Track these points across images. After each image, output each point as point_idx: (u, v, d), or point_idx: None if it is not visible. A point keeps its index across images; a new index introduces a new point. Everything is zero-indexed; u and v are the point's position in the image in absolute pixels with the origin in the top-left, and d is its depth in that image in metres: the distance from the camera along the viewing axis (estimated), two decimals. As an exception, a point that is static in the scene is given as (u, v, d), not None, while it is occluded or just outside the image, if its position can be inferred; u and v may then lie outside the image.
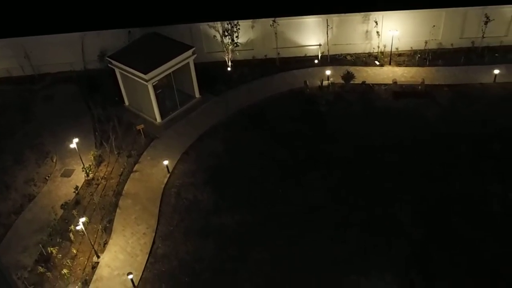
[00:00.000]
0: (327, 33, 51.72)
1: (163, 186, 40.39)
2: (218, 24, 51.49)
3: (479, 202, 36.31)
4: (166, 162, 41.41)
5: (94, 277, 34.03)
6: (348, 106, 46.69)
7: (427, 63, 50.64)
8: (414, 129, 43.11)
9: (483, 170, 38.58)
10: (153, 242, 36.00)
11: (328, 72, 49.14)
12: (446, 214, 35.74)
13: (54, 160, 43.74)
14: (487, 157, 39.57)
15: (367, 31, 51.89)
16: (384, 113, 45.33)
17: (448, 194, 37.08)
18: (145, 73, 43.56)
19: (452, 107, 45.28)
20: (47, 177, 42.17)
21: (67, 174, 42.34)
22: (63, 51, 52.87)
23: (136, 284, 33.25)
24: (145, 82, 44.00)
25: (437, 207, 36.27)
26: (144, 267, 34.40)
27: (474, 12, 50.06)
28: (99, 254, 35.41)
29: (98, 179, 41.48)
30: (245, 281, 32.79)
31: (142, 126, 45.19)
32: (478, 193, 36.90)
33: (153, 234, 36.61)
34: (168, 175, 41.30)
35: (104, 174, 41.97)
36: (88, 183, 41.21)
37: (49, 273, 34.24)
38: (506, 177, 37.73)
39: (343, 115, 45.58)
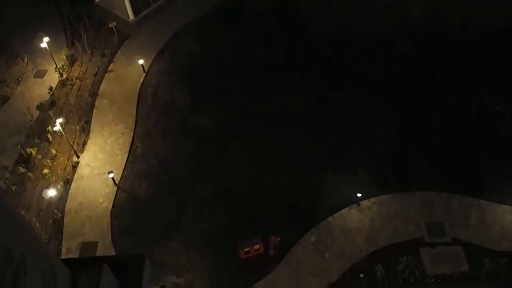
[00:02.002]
0: None
1: (139, 85, 39.73)
2: None
3: (456, 109, 36.30)
4: (141, 61, 40.35)
5: (75, 176, 34.49)
6: (327, 1, 44.76)
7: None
8: (395, 29, 41.61)
9: (462, 78, 38.08)
10: (132, 142, 36.17)
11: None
12: (424, 120, 35.88)
13: (25, 61, 42.26)
14: (467, 64, 38.81)
15: None
16: (366, 8, 43.51)
17: (427, 101, 36.90)
18: (114, -35, 40.96)
19: (435, 5, 43.53)
20: (19, 78, 40.99)
21: (40, 74, 41.15)
22: None
23: (117, 182, 33.88)
24: (115, -25, 41.52)
25: (415, 113, 36.30)
26: (124, 166, 34.87)
27: None
28: (78, 154, 35.57)
29: (72, 80, 40.49)
30: (223, 179, 33.55)
31: (115, 23, 43.29)
32: (457, 101, 36.69)
33: (132, 133, 36.66)
34: (144, 74, 40.47)
35: (78, 74, 40.91)
36: (62, 83, 40.25)
37: (30, 173, 34.53)
38: (485, 84, 37.25)
39: (322, 11, 43.79)
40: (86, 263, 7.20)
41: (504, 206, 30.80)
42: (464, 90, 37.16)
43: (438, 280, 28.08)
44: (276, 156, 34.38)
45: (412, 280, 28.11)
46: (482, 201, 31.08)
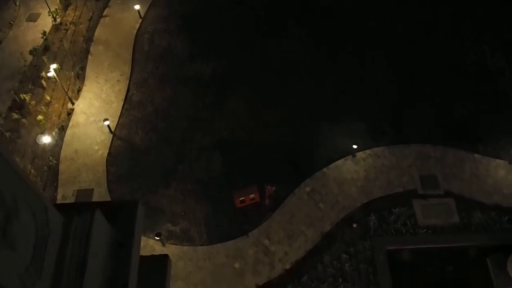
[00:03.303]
0: None
1: (135, 32, 38.84)
2: None
3: (456, 62, 35.70)
4: (137, 7, 39.26)
5: (70, 123, 34.25)
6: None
7: None
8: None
9: (463, 32, 37.32)
10: (128, 89, 35.73)
11: None
12: (421, 74, 35.34)
13: (17, 4, 41.12)
14: (468, 19, 38.00)
15: None
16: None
17: (427, 55, 36.26)
18: None
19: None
20: (11, 22, 40.00)
21: (33, 18, 40.14)
22: None
23: (113, 129, 33.71)
24: None
25: (414, 67, 35.75)
26: (120, 113, 34.58)
27: None
28: (73, 101, 35.19)
29: (66, 24, 39.54)
30: (220, 129, 33.42)
31: (109, -34, 41.89)
32: (457, 55, 36.12)
33: (128, 81, 36.16)
34: (140, 20, 39.48)
35: (72, 18, 39.91)
36: (56, 28, 39.32)
37: (24, 119, 34.27)
38: (486, 39, 36.59)
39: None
40: (79, 208, 7.17)
41: (497, 160, 30.96)
42: (464, 45, 36.55)
43: (429, 231, 28.60)
44: (273, 107, 34.12)
45: (403, 230, 28.61)
46: (476, 155, 31.19)
